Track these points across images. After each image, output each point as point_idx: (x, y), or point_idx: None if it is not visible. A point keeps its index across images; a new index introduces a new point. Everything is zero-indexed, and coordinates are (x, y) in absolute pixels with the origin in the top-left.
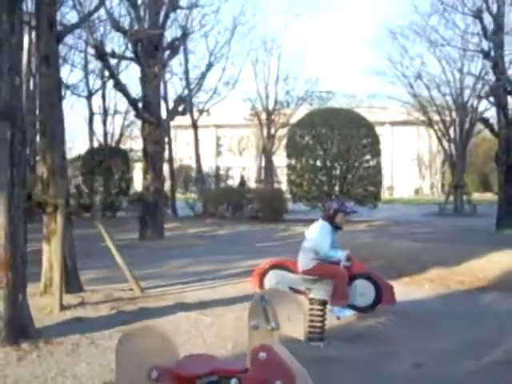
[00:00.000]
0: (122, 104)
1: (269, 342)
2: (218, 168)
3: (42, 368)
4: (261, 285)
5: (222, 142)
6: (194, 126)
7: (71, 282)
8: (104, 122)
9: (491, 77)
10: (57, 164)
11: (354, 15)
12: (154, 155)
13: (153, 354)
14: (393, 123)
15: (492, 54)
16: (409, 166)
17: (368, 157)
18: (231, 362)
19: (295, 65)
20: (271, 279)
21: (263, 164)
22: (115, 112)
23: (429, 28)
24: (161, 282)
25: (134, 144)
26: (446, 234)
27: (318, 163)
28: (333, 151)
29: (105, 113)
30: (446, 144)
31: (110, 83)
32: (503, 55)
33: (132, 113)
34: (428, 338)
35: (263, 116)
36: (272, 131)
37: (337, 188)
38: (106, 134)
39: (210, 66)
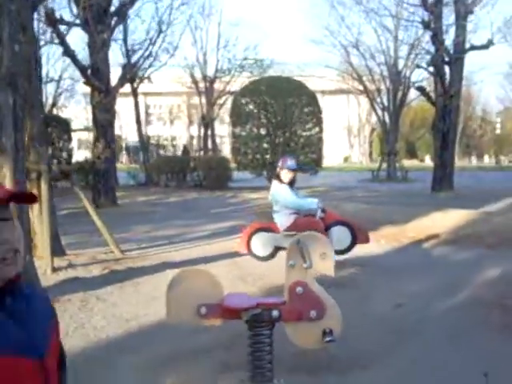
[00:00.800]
0: (55, 72)
1: (304, 279)
2: (148, 137)
3: (60, 322)
4: (248, 246)
5: (151, 110)
6: (135, 93)
7: (54, 246)
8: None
9: (425, 46)
10: (36, 131)
11: None
12: (104, 123)
13: (201, 293)
14: (324, 92)
15: (432, 25)
16: (338, 135)
17: (310, 125)
18: (271, 297)
19: (234, 32)
20: (257, 240)
21: (202, 133)
22: (50, 80)
23: None
24: (135, 246)
25: (61, 113)
26: (387, 197)
27: (262, 131)
28: (277, 119)
29: (40, 80)
30: (379, 112)
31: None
32: (441, 26)
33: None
34: (398, 283)
35: (201, 84)
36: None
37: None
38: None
39: (160, 32)
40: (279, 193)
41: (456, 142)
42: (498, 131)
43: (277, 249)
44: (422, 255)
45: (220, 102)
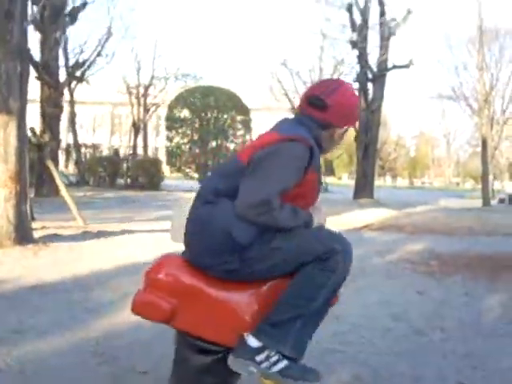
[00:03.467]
0: None
1: None
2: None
3: (57, 258)
4: None
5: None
6: (71, 95)
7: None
8: None
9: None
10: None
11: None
12: (52, 116)
13: None
14: (251, 109)
15: (358, 44)
16: None
17: (241, 132)
18: None
19: (170, 44)
20: None
21: (132, 138)
22: None
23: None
24: (91, 222)
25: None
26: None
27: (195, 137)
28: (209, 126)
29: None
30: None
31: None
32: (366, 46)
33: None
34: None
35: (134, 91)
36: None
37: (210, 161)
38: None
39: (109, 34)
40: None
41: (376, 154)
42: (412, 153)
43: None
44: (352, 236)
45: (153, 108)
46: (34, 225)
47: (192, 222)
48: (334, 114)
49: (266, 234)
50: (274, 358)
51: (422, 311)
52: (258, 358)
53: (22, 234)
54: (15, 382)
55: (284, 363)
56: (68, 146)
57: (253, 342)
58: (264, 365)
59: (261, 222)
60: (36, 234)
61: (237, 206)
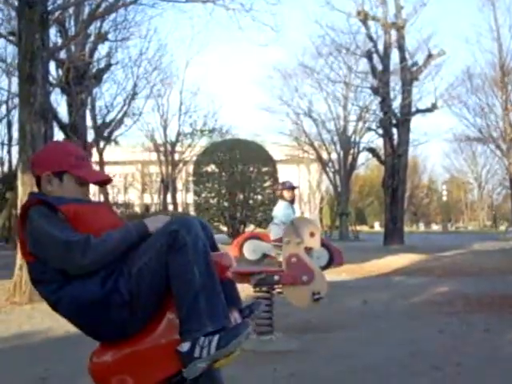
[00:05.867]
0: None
1: (297, 252)
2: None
3: None
4: (240, 251)
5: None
6: (101, 155)
7: None
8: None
9: (375, 110)
10: None
11: (244, 55)
12: None
13: None
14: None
15: (380, 90)
16: None
17: (268, 183)
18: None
19: (194, 99)
20: (248, 247)
21: (161, 194)
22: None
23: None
24: None
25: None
26: (344, 250)
27: (222, 190)
28: (236, 178)
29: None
30: (331, 175)
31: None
32: (389, 92)
33: None
34: (363, 294)
35: (162, 148)
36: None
37: (238, 214)
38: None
39: (134, 94)
40: (279, 208)
41: (405, 197)
42: (444, 198)
43: (264, 255)
44: (380, 281)
45: (180, 165)
46: None
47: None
48: (33, 167)
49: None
50: (205, 342)
51: (440, 348)
52: (196, 353)
53: None
54: None
55: (215, 338)
56: None
57: (184, 346)
58: (204, 354)
59: (92, 261)
60: None
61: (72, 271)
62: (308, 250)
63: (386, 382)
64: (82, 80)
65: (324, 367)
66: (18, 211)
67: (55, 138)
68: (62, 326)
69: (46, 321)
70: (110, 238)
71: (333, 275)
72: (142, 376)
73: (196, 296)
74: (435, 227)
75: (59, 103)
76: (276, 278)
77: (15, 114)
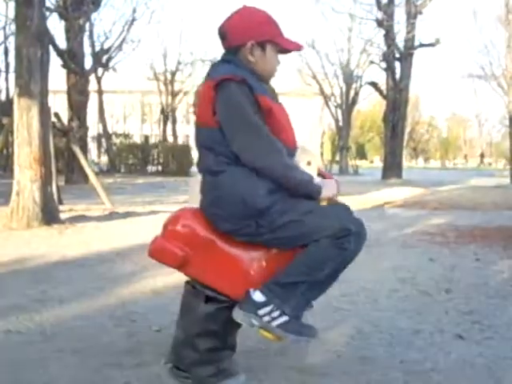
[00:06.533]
0: None
1: None
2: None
3: (82, 236)
4: None
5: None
6: (99, 83)
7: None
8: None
9: (378, 44)
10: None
11: None
12: (79, 104)
13: None
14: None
15: (384, 23)
16: None
17: None
18: None
19: (197, 28)
20: None
21: (161, 125)
22: None
23: None
24: (120, 205)
25: None
26: (343, 183)
27: None
28: None
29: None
30: (333, 110)
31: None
32: (393, 25)
33: None
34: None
35: (161, 77)
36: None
37: None
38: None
39: (133, 20)
40: None
41: (405, 132)
42: (444, 135)
43: None
44: (375, 212)
45: (181, 95)
46: (62, 208)
47: (206, 193)
48: (233, 36)
49: (283, 203)
50: (275, 314)
51: (430, 275)
52: (261, 311)
53: (49, 216)
54: (34, 341)
55: (284, 319)
56: (99, 135)
57: (258, 296)
58: (265, 318)
59: (280, 170)
60: (63, 216)
61: (258, 165)
62: None
63: (375, 304)
64: (80, 5)
65: None
66: (16, 135)
67: (52, 64)
68: (58, 251)
69: (42, 246)
70: (299, 175)
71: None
72: (202, 267)
73: (307, 282)
74: (434, 163)
75: (57, 29)
76: None
77: (12, 41)
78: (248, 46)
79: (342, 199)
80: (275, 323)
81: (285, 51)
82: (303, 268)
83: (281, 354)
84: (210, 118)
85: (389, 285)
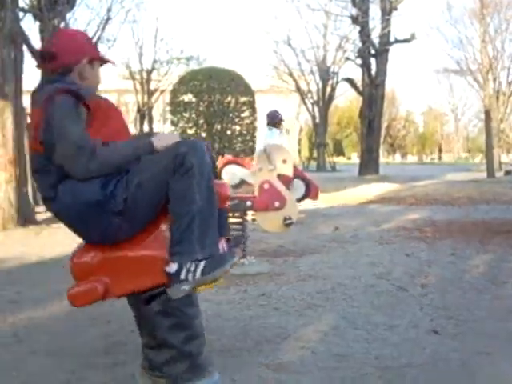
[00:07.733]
0: None
1: (269, 178)
2: None
3: (59, 237)
4: (219, 176)
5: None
6: None
7: None
8: None
9: (354, 41)
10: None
11: None
12: None
13: None
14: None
15: (359, 19)
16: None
17: (246, 113)
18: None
19: (172, 27)
20: (228, 170)
21: (138, 124)
22: None
23: None
24: None
25: None
26: (320, 180)
27: (200, 120)
28: (214, 108)
29: None
30: (310, 107)
31: None
32: (368, 21)
33: None
34: (336, 221)
35: (137, 76)
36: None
37: (216, 144)
38: None
39: (108, 19)
40: (274, 134)
41: (381, 128)
42: (421, 129)
43: (242, 182)
44: (353, 209)
45: (157, 93)
46: (38, 209)
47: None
48: (66, 55)
49: (121, 183)
50: (192, 267)
51: (406, 270)
52: (182, 276)
53: (25, 217)
54: (7, 343)
55: (202, 264)
56: None
57: (172, 267)
58: (189, 277)
59: (96, 169)
60: (39, 217)
61: (75, 174)
62: (287, 184)
63: (351, 300)
64: (54, 5)
65: (292, 288)
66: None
67: (26, 65)
68: (34, 252)
69: (18, 247)
70: (117, 150)
71: (307, 204)
72: (120, 281)
73: (192, 221)
74: (411, 159)
75: (31, 30)
76: (248, 203)
77: None
78: (83, 63)
79: (320, 197)
80: (198, 274)
81: (103, 64)
82: (177, 213)
83: (255, 351)
84: (36, 139)
85: (365, 281)
